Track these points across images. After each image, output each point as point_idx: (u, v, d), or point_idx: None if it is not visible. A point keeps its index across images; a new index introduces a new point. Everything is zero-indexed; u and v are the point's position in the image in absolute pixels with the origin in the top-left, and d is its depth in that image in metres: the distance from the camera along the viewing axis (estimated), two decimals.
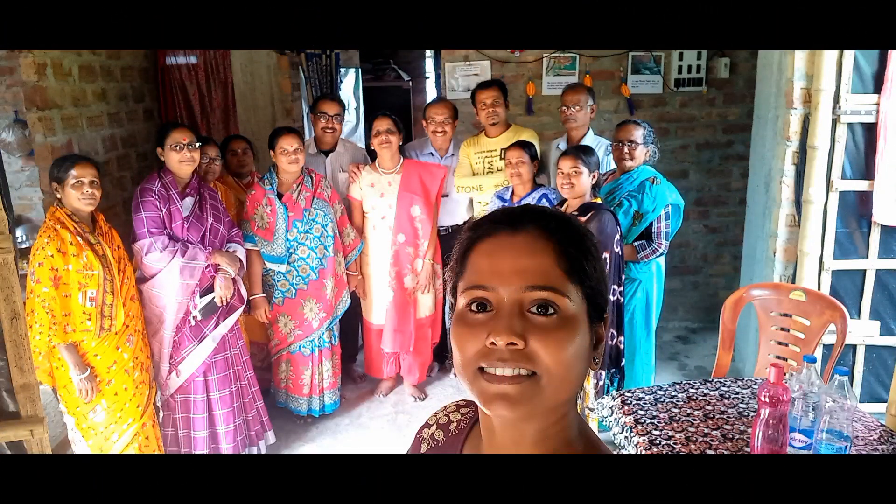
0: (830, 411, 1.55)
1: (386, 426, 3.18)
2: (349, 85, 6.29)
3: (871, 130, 2.67)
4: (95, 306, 2.30)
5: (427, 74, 7.41)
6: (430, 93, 7.32)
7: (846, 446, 1.56)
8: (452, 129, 3.30)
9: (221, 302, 2.66)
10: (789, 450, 1.60)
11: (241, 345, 2.84)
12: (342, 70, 5.88)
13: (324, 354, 3.11)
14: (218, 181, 3.03)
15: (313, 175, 3.04)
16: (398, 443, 3.02)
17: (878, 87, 2.63)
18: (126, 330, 2.42)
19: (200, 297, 2.62)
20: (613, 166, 2.93)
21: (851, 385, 2.60)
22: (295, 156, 2.88)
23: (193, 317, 2.61)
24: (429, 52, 7.01)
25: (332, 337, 3.15)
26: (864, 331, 2.82)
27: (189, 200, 2.62)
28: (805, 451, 1.61)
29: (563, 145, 3.11)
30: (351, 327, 3.55)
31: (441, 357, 3.64)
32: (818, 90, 2.63)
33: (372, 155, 3.34)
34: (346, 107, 4.05)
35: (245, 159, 3.25)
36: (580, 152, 2.57)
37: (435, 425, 0.86)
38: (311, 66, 4.56)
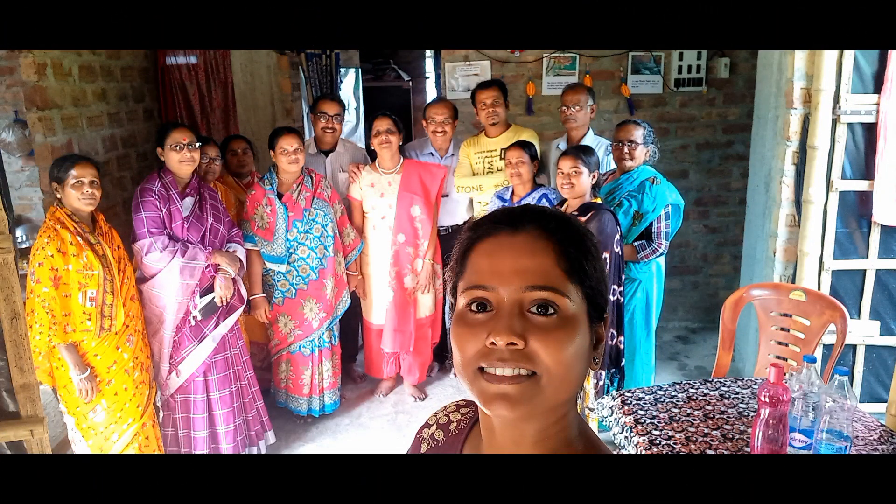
0: (830, 411, 1.55)
1: (386, 426, 3.18)
2: (349, 85, 6.29)
3: (871, 130, 2.67)
4: (95, 306, 2.30)
5: (427, 74, 7.41)
6: (430, 93, 7.32)
7: (846, 446, 1.56)
8: (452, 129, 3.30)
9: (221, 302, 2.66)
10: (789, 450, 1.60)
11: (241, 345, 2.84)
12: (342, 70, 5.88)
13: (324, 354, 3.11)
14: (218, 181, 3.03)
15: (313, 175, 3.04)
16: (398, 443, 3.02)
17: (878, 87, 2.63)
18: (126, 330, 2.42)
19: (200, 297, 2.62)
20: (613, 166, 2.93)
21: (851, 385, 2.60)
22: (295, 156, 2.88)
23: (193, 317, 2.61)
24: (429, 52, 7.01)
25: (332, 337, 3.15)
26: (863, 331, 2.82)
27: (189, 200, 2.62)
28: (805, 451, 1.61)
29: (563, 145, 3.11)
30: (351, 327, 3.55)
31: (441, 357, 3.64)
32: (818, 90, 2.63)
33: (372, 155, 3.34)
34: (346, 107, 4.05)
35: (245, 159, 3.25)
36: (580, 152, 2.57)
37: (435, 425, 0.86)
38: (311, 66, 4.56)
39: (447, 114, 3.24)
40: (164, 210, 2.54)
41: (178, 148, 2.54)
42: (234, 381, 2.76)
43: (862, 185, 2.71)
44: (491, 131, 3.22)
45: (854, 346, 2.85)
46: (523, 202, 2.86)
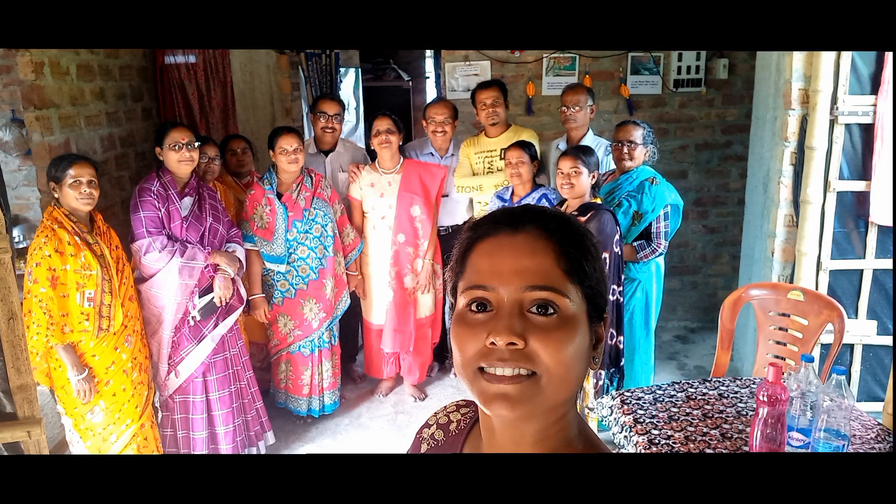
0: (828, 410, 1.56)
1: (386, 426, 3.18)
2: (349, 85, 6.30)
3: (868, 131, 2.68)
4: (93, 306, 2.29)
5: (427, 74, 7.42)
6: (430, 93, 7.32)
7: (844, 445, 1.56)
8: (452, 129, 3.30)
9: (221, 302, 2.66)
10: (787, 448, 1.60)
11: (241, 345, 2.84)
12: (342, 70, 5.88)
13: (323, 354, 3.11)
14: (217, 181, 3.03)
15: (313, 175, 3.03)
16: (398, 443, 3.02)
17: (875, 88, 2.63)
18: (124, 330, 2.41)
19: (199, 297, 2.62)
20: (613, 166, 2.93)
21: (849, 384, 2.61)
22: (294, 155, 2.87)
23: (192, 317, 2.61)
24: (429, 52, 7.02)
25: (332, 337, 3.15)
26: (861, 330, 2.82)
27: (188, 200, 2.62)
28: (803, 450, 1.62)
29: (562, 145, 3.11)
30: (351, 327, 3.55)
31: (441, 357, 3.64)
32: (816, 91, 2.63)
33: (372, 155, 3.34)
34: (346, 107, 4.06)
35: (244, 159, 3.25)
36: (580, 152, 2.58)
37: (435, 425, 0.86)
38: (311, 66, 4.56)
39: (447, 114, 3.24)
40: (163, 210, 2.53)
41: (176, 147, 2.53)
42: (233, 382, 2.76)
43: (859, 186, 2.72)
44: (491, 131, 3.22)
45: (851, 346, 2.85)
46: (523, 202, 2.87)
